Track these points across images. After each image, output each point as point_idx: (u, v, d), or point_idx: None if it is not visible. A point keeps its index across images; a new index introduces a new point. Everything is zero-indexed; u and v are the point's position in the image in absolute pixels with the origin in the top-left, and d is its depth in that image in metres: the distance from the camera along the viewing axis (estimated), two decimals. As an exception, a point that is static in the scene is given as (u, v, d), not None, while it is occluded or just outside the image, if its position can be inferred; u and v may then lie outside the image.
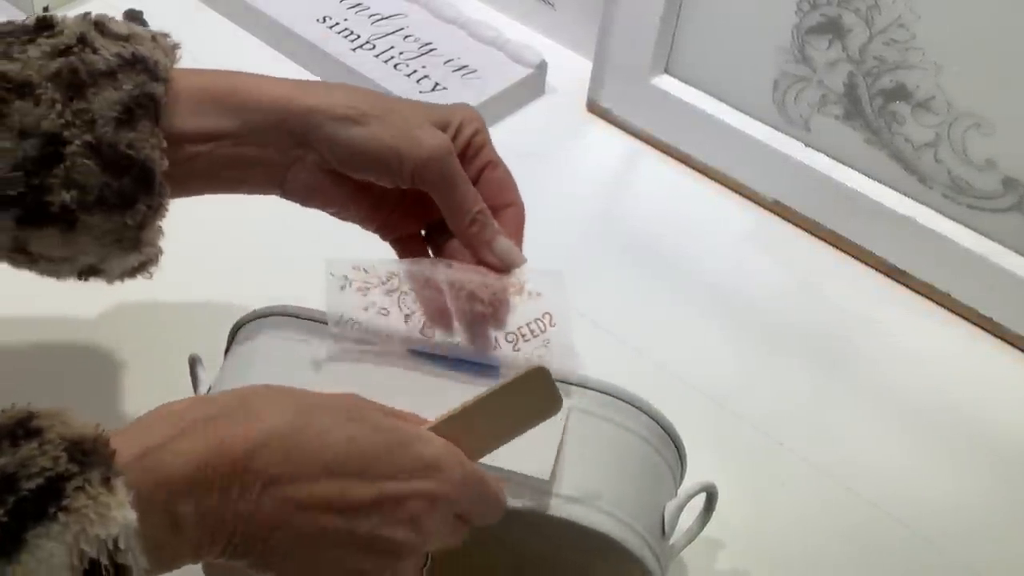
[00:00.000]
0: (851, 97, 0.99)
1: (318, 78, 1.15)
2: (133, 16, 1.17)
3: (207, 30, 1.21)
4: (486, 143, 0.74)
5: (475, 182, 0.73)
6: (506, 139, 1.08)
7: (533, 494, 0.67)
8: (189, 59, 1.14)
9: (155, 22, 1.18)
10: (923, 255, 0.99)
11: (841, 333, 0.99)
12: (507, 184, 0.75)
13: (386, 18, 1.19)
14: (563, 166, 1.11)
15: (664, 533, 0.71)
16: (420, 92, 1.10)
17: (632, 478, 0.70)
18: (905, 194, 1.00)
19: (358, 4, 1.20)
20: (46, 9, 1.18)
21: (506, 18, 1.24)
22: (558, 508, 0.67)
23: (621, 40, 1.09)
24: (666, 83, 1.10)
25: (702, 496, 0.74)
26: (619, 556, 0.68)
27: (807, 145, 1.04)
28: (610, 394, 0.71)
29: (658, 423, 0.73)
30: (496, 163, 0.75)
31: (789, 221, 1.06)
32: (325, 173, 0.73)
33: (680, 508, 0.71)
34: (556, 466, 0.68)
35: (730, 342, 0.97)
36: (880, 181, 1.01)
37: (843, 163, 1.03)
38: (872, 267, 1.03)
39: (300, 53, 1.17)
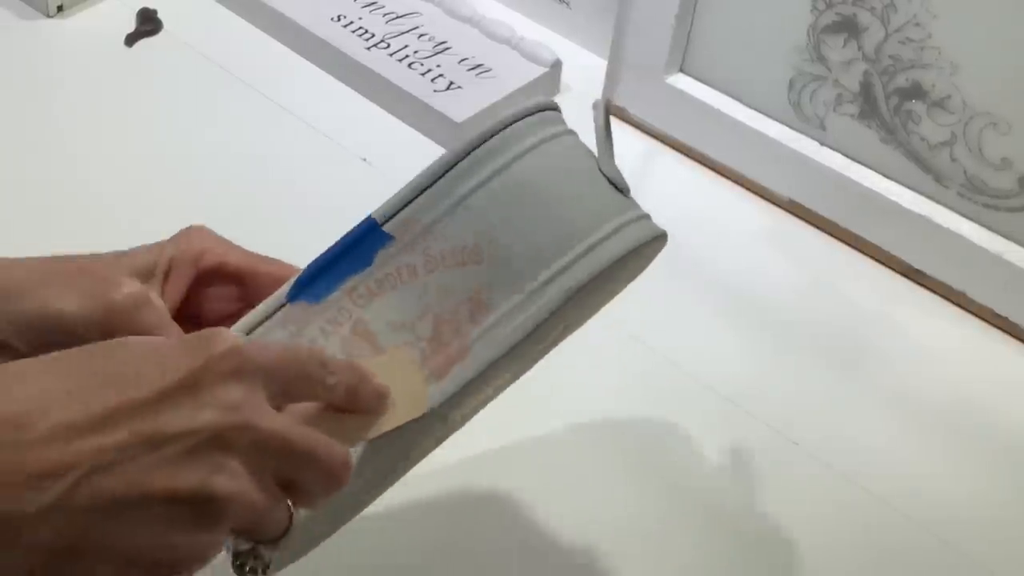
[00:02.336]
0: (867, 96, 0.99)
1: (332, 77, 1.16)
2: (147, 15, 1.18)
3: (221, 28, 1.21)
4: (219, 261, 0.66)
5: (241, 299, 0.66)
6: None
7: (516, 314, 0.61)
8: (203, 58, 1.16)
9: (169, 21, 1.19)
10: (939, 254, 0.99)
11: (856, 332, 0.98)
12: (277, 273, 0.65)
13: (401, 17, 1.19)
14: None
15: (626, 191, 0.65)
16: (435, 91, 1.10)
17: (566, 193, 0.63)
18: (921, 193, 1.00)
19: (373, 3, 1.20)
20: (60, 8, 1.19)
21: (521, 17, 1.24)
22: (554, 290, 0.61)
23: (636, 39, 1.09)
24: (681, 82, 1.09)
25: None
26: (628, 259, 0.63)
27: (822, 144, 1.04)
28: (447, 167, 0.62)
29: (505, 126, 0.64)
30: (248, 265, 0.66)
31: (804, 220, 1.06)
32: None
33: (611, 159, 0.65)
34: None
35: (744, 341, 0.96)
36: (896, 180, 1.01)
37: (859, 162, 1.02)
38: (887, 266, 1.02)
39: (314, 52, 1.17)
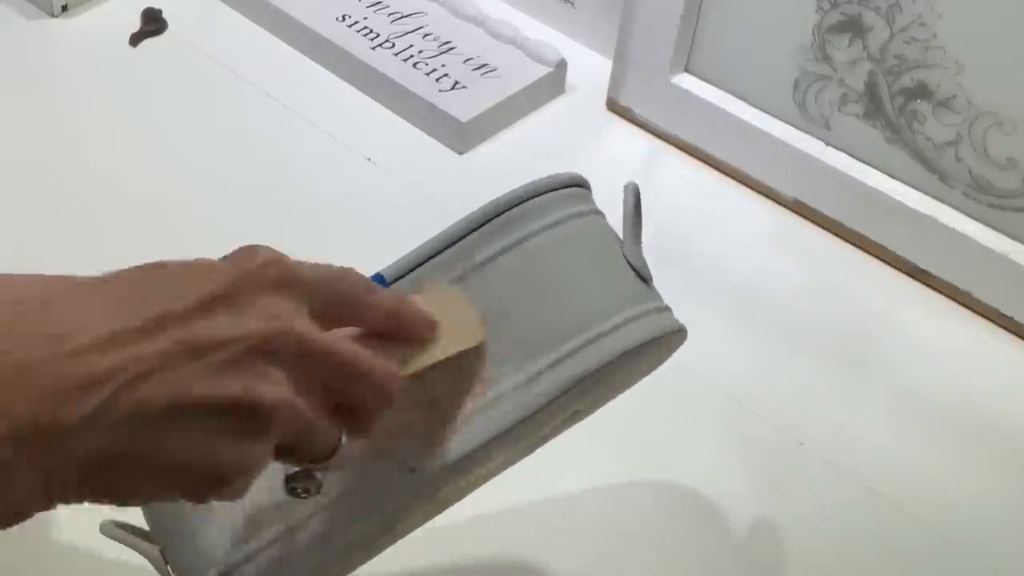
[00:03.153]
0: (872, 96, 0.99)
1: (337, 77, 1.16)
2: (152, 15, 1.18)
3: (225, 27, 1.21)
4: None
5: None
6: (525, 139, 1.12)
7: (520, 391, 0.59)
8: (207, 58, 1.16)
9: (174, 21, 1.19)
10: (944, 254, 0.99)
11: (861, 332, 0.98)
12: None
13: (405, 16, 1.19)
14: (583, 165, 1.06)
15: (648, 281, 0.63)
16: (440, 90, 1.10)
17: (586, 276, 0.62)
18: (926, 193, 0.99)
19: (377, 3, 1.20)
20: (65, 8, 1.19)
21: (526, 17, 1.24)
22: (564, 371, 0.59)
23: (641, 39, 1.09)
24: (686, 82, 1.09)
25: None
26: (644, 350, 0.61)
27: (828, 144, 1.03)
28: (478, 226, 0.61)
29: (536, 194, 0.62)
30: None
31: (809, 220, 1.06)
32: None
33: (638, 246, 0.63)
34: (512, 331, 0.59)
35: (750, 341, 0.96)
36: (901, 180, 1.00)
37: (864, 162, 1.02)
38: (893, 266, 1.02)
39: (319, 51, 1.17)
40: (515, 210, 0.61)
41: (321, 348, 0.51)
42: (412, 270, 0.60)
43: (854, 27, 0.97)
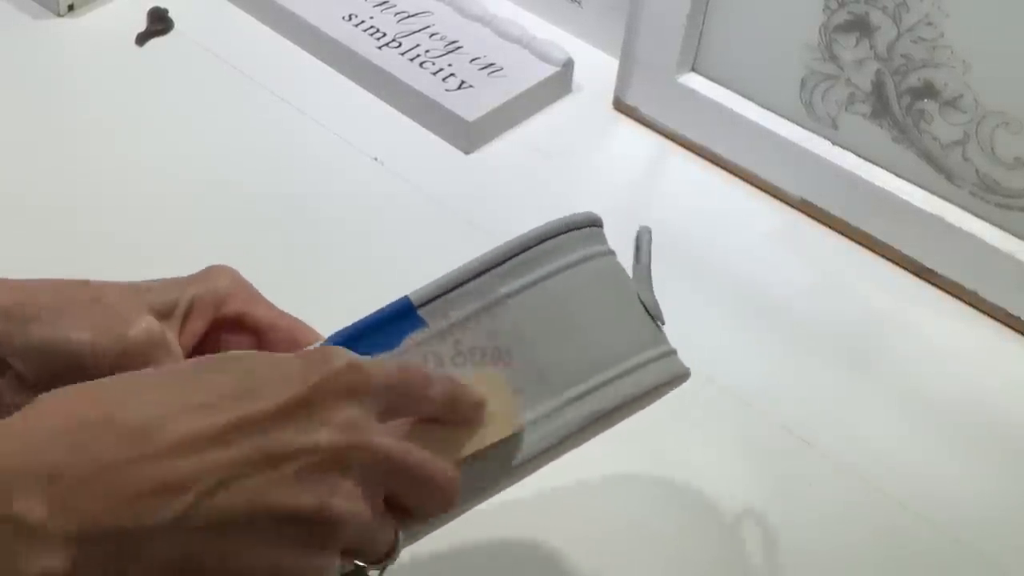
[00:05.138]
0: (879, 95, 0.99)
1: (343, 76, 1.16)
2: (158, 15, 1.18)
3: (231, 27, 1.21)
4: (241, 311, 0.64)
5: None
6: (532, 138, 1.12)
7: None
8: (214, 57, 1.16)
9: (180, 20, 1.19)
10: (951, 253, 0.99)
11: (869, 332, 0.98)
12: (292, 336, 0.64)
13: (412, 16, 1.19)
14: (590, 165, 1.11)
15: (660, 321, 0.65)
16: (446, 90, 1.10)
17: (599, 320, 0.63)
18: (933, 192, 0.99)
19: (384, 2, 1.20)
20: (71, 7, 1.19)
21: (532, 16, 1.24)
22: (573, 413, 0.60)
23: (648, 38, 1.08)
24: (693, 81, 1.09)
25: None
26: (654, 392, 0.64)
27: (835, 144, 1.03)
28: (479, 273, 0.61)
29: (554, 235, 0.63)
30: (267, 324, 0.64)
31: (816, 220, 1.05)
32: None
33: (651, 289, 0.65)
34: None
35: (757, 341, 0.96)
36: (908, 179, 1.00)
37: (871, 161, 1.02)
38: (900, 265, 1.02)
39: (325, 51, 1.17)
40: (537, 248, 0.62)
41: (391, 458, 0.52)
42: (438, 296, 0.60)
43: (861, 26, 0.97)
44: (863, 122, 1.01)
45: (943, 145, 0.97)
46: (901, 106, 0.98)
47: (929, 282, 1.01)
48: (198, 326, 0.63)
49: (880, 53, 0.97)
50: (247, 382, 0.50)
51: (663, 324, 0.65)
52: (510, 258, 0.61)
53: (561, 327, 0.61)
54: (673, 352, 0.65)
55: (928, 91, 0.96)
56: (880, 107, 0.99)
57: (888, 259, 1.03)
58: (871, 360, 0.95)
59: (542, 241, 0.62)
